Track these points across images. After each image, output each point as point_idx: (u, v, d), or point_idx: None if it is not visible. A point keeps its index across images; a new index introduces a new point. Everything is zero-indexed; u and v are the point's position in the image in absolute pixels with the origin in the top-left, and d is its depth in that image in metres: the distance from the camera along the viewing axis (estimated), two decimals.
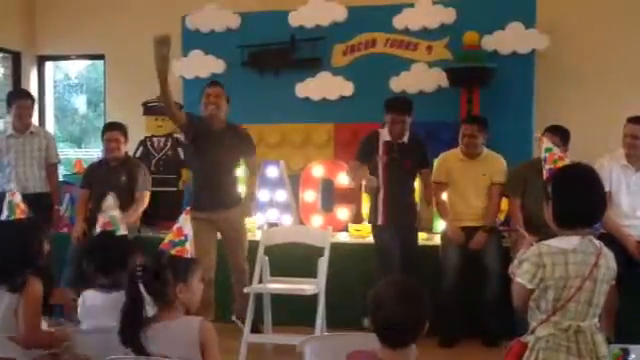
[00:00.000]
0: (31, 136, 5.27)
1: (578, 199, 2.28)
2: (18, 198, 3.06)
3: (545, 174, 2.47)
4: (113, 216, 2.93)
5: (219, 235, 4.65)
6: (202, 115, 4.59)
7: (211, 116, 4.54)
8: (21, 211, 3.04)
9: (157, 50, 4.17)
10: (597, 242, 2.28)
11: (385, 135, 4.57)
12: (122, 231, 2.99)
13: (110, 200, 3.08)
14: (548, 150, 2.51)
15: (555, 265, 2.20)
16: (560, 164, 2.44)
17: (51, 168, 5.35)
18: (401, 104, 4.65)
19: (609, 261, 2.27)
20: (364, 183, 4.67)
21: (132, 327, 2.27)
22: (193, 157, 4.69)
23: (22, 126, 5.23)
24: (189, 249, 2.46)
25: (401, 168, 4.57)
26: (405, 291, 2.02)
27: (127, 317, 2.30)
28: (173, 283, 2.36)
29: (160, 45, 4.16)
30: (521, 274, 2.24)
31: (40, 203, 5.20)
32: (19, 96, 5.37)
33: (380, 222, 4.55)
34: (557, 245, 2.23)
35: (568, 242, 2.23)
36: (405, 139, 4.60)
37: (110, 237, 2.95)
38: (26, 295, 2.76)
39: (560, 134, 4.43)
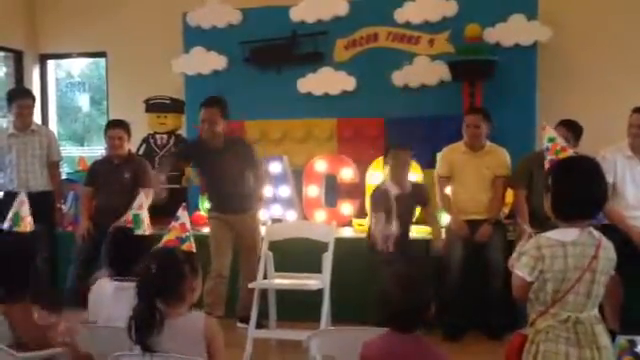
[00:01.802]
0: (32, 134, 5.26)
1: (577, 191, 2.26)
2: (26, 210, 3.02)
3: (546, 164, 2.45)
4: (137, 215, 2.92)
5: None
6: (200, 136, 4.72)
7: (207, 137, 4.61)
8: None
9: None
10: (596, 233, 2.27)
11: (393, 189, 4.55)
12: (143, 231, 2.96)
13: (141, 199, 3.07)
14: (551, 140, 2.47)
15: (554, 258, 2.20)
16: (562, 155, 2.41)
17: (53, 166, 5.35)
18: (403, 144, 4.69)
19: (609, 252, 2.27)
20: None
21: (145, 328, 2.24)
22: (200, 174, 4.73)
23: (23, 125, 5.22)
24: (194, 244, 2.46)
25: (410, 214, 4.71)
26: (407, 282, 2.21)
27: (140, 318, 2.25)
28: (190, 278, 2.36)
29: None
30: (521, 267, 2.24)
31: (43, 201, 5.21)
32: (19, 95, 5.35)
33: (391, 250, 4.49)
34: (556, 237, 2.23)
35: (567, 234, 2.23)
36: (409, 187, 4.65)
37: (126, 234, 2.94)
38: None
39: (573, 129, 4.42)
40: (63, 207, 5.46)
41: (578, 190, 2.26)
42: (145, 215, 2.95)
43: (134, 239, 2.89)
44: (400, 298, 2.17)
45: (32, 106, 5.31)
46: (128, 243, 2.88)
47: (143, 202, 2.96)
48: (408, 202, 4.64)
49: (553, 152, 2.43)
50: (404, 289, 2.18)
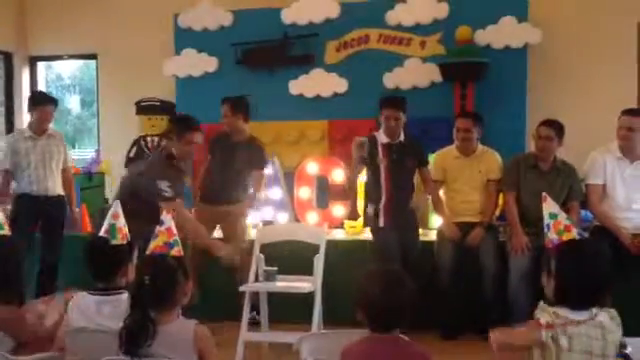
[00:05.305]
0: (49, 138, 5.20)
1: (584, 278, 2.19)
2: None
3: (547, 243, 2.32)
4: (113, 224, 2.90)
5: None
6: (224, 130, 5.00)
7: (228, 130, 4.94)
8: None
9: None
10: (600, 315, 2.20)
11: (382, 137, 4.55)
12: (119, 241, 2.93)
13: (115, 208, 3.04)
14: (553, 217, 2.31)
15: (572, 337, 2.13)
16: (566, 236, 2.27)
17: (66, 171, 5.32)
18: (395, 100, 4.69)
19: (614, 335, 2.19)
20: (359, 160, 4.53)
21: (138, 340, 2.22)
22: (210, 160, 4.99)
23: (41, 130, 5.18)
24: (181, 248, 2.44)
25: (402, 169, 4.57)
26: (388, 280, 2.18)
27: (133, 329, 2.23)
28: (183, 284, 2.34)
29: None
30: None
31: (58, 205, 5.20)
32: (44, 101, 5.21)
33: (382, 224, 4.52)
34: (567, 316, 2.17)
35: (577, 314, 2.17)
36: (402, 138, 4.60)
37: (102, 245, 2.90)
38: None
39: (556, 128, 4.44)
40: (77, 210, 5.41)
41: (584, 277, 2.18)
42: (122, 224, 2.91)
43: (111, 249, 2.81)
44: (379, 298, 2.13)
45: (53, 112, 5.27)
46: (105, 254, 2.81)
47: (119, 211, 2.93)
48: (400, 153, 4.52)
49: (556, 231, 2.28)
50: (383, 288, 2.14)
